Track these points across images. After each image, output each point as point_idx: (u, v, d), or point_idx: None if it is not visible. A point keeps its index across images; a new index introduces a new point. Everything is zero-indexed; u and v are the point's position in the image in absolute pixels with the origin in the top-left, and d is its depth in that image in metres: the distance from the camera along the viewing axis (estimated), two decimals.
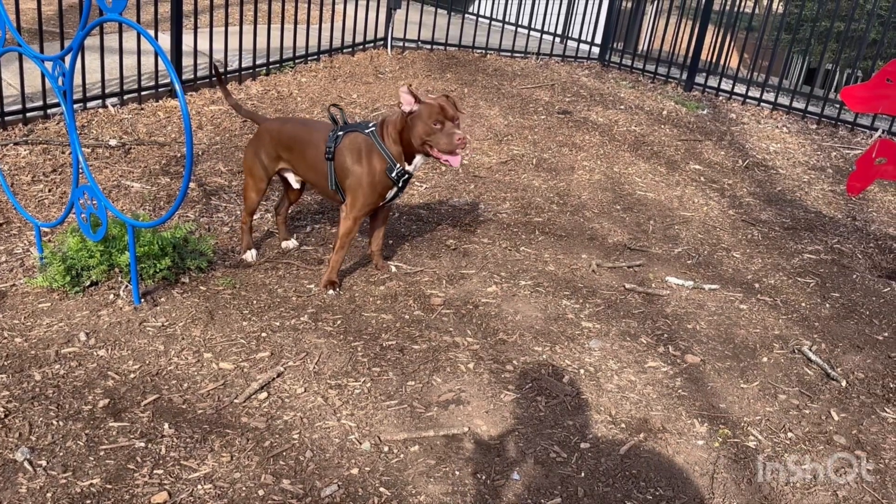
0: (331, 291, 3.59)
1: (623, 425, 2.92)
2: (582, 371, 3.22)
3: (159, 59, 5.57)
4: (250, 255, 3.85)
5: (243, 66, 6.29)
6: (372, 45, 7.47)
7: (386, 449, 2.65)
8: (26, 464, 2.38)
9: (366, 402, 2.87)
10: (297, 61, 6.77)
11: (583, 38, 8.73)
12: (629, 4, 9.07)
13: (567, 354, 3.33)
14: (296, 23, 6.62)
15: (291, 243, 4.03)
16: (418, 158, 3.46)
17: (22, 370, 2.82)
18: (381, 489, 2.47)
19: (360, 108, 6.15)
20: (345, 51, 7.22)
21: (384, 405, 2.87)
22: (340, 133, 3.54)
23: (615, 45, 8.67)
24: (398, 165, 3.44)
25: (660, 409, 3.04)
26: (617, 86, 7.84)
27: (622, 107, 7.18)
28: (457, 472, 2.58)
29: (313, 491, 2.43)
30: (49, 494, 2.28)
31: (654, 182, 5.63)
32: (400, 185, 3.53)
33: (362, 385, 2.96)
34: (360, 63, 7.15)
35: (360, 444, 2.66)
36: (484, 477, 2.58)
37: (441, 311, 3.54)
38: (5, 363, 2.85)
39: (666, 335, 3.58)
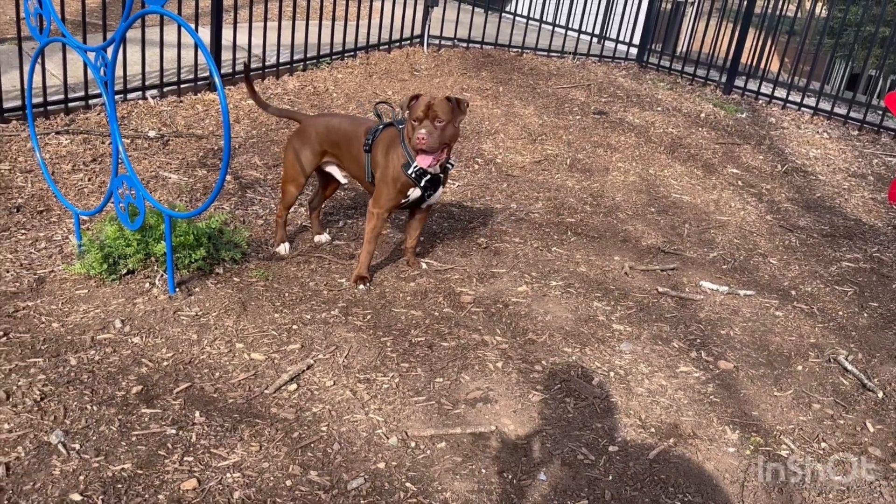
0: (361, 287, 3.60)
1: (653, 430, 2.89)
2: (612, 374, 3.19)
3: (199, 52, 5.64)
4: (283, 248, 3.88)
5: (281, 61, 6.34)
6: (408, 42, 7.49)
7: (413, 444, 2.65)
8: (60, 447, 2.43)
9: (394, 397, 2.87)
10: (333, 57, 6.81)
11: (621, 38, 8.65)
12: (669, 5, 8.97)
13: (597, 356, 3.30)
14: (333, 19, 6.66)
15: (324, 237, 4.05)
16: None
17: (58, 355, 2.88)
18: (408, 484, 2.47)
19: (395, 105, 6.16)
20: (381, 48, 7.24)
21: (412, 401, 2.87)
22: (380, 127, 3.57)
23: (654, 47, 8.58)
24: (415, 163, 3.43)
25: (691, 414, 3.00)
26: (654, 87, 7.75)
27: (659, 108, 7.10)
28: (483, 471, 2.57)
29: (340, 483, 2.44)
30: (82, 478, 2.32)
31: (691, 185, 5.55)
32: (422, 184, 3.51)
33: (391, 380, 2.97)
34: (396, 60, 7.17)
35: (388, 438, 2.66)
36: (510, 476, 2.57)
37: (471, 309, 3.53)
38: (42, 347, 2.91)
39: (699, 340, 3.53)
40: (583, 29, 8.57)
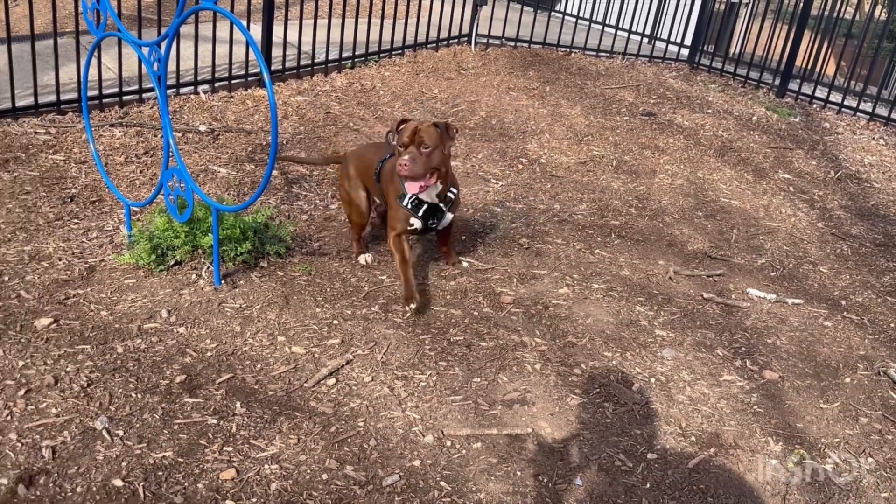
0: (412, 305, 3.37)
1: (693, 438, 2.84)
2: (653, 380, 3.15)
3: (250, 48, 5.73)
4: (364, 259, 3.81)
5: (330, 58, 6.40)
6: (456, 41, 7.49)
7: (448, 443, 2.65)
8: (104, 432, 2.49)
9: (431, 396, 2.88)
10: (381, 55, 6.84)
11: (672, 39, 8.52)
12: (722, 6, 8.80)
13: (638, 362, 3.25)
14: (382, 17, 6.70)
15: (368, 257, 3.83)
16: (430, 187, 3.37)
17: (106, 342, 2.95)
18: (442, 483, 2.47)
19: (440, 104, 6.18)
20: (429, 46, 7.26)
21: (449, 400, 2.87)
22: (388, 157, 3.58)
23: (706, 48, 8.43)
24: (409, 194, 3.37)
25: (733, 424, 2.94)
26: (705, 89, 7.62)
27: (710, 110, 6.97)
28: (518, 473, 2.56)
29: (375, 479, 2.45)
30: (124, 464, 2.38)
31: (740, 189, 5.44)
32: (420, 215, 3.44)
33: (428, 378, 2.97)
34: (443, 59, 7.17)
35: (424, 436, 2.67)
36: (546, 480, 2.55)
37: (510, 310, 3.52)
38: (91, 335, 2.99)
39: (744, 349, 3.46)
40: (633, 29, 8.46)
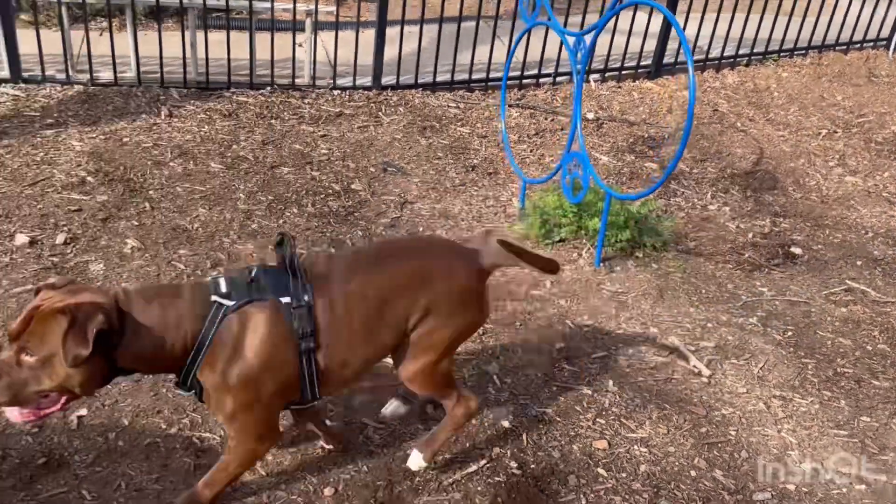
0: None
1: None
2: None
3: (644, 41, 5.78)
4: None
5: (724, 55, 6.19)
6: (871, 44, 6.72)
7: (828, 477, 2.47)
8: (495, 377, 2.78)
9: (811, 423, 2.70)
10: (780, 54, 6.42)
11: None
12: None
13: None
14: (791, 14, 6.27)
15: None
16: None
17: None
18: None
19: (843, 112, 5.62)
20: (837, 48, 6.62)
21: (831, 432, 2.66)
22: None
23: None
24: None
25: None
26: None
27: None
28: None
29: (745, 490, 2.39)
30: (511, 409, 2.63)
31: None
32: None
33: (809, 405, 2.79)
34: (853, 63, 6.49)
35: (800, 462, 2.52)
36: None
37: None
38: None
39: None
40: None
